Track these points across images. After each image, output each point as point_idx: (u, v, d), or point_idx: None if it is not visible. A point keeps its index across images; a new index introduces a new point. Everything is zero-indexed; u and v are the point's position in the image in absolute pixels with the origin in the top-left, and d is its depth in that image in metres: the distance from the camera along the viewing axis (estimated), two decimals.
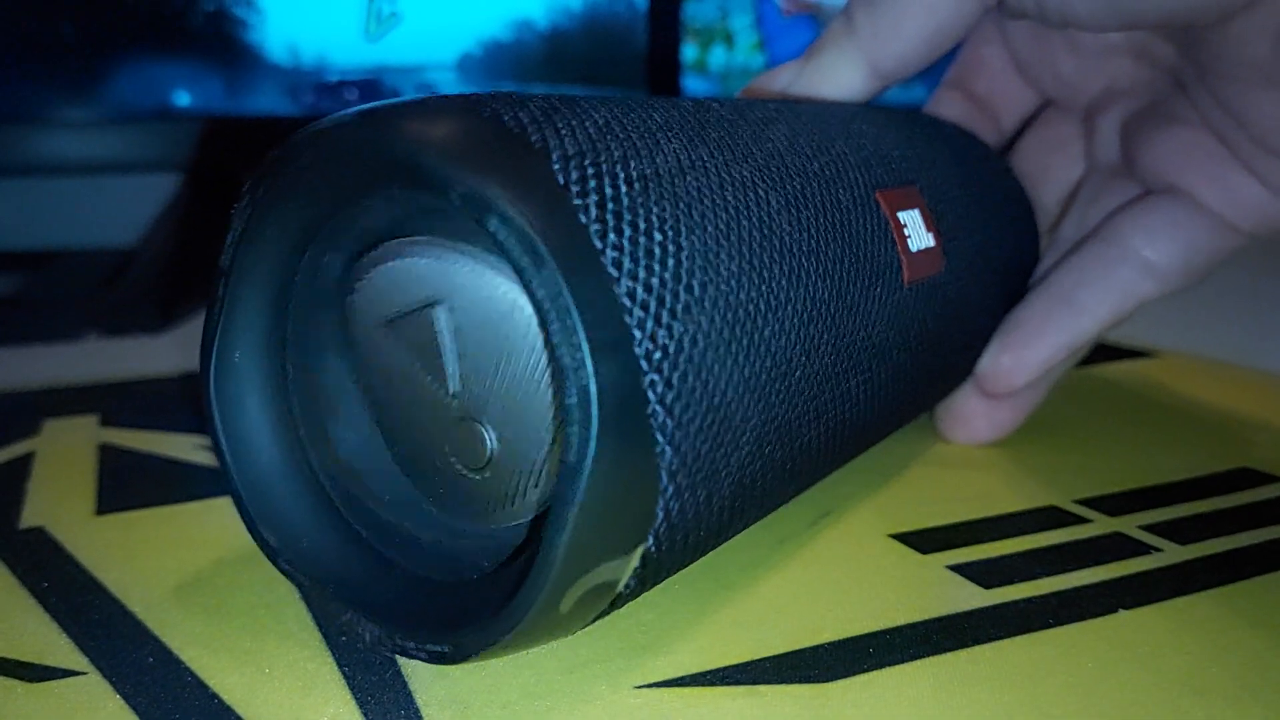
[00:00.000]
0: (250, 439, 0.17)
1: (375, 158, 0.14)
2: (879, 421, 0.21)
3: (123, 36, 0.48)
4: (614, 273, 0.13)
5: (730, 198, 0.16)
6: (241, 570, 0.20)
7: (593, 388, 0.13)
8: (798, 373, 0.16)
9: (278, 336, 0.17)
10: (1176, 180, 0.25)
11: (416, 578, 0.17)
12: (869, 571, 0.20)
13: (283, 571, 0.17)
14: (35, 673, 0.16)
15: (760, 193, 0.16)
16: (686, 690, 0.16)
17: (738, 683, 0.16)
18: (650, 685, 0.16)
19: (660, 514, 0.14)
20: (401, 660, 0.17)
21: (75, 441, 0.27)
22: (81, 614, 0.18)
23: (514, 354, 0.15)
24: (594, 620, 0.16)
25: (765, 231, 0.16)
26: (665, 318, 0.14)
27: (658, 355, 0.14)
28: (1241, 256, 0.25)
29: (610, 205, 0.14)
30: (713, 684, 0.16)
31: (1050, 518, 0.22)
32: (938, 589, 0.19)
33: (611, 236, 0.13)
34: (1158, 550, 0.21)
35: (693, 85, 0.65)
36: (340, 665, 0.16)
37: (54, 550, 0.21)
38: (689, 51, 0.65)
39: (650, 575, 0.15)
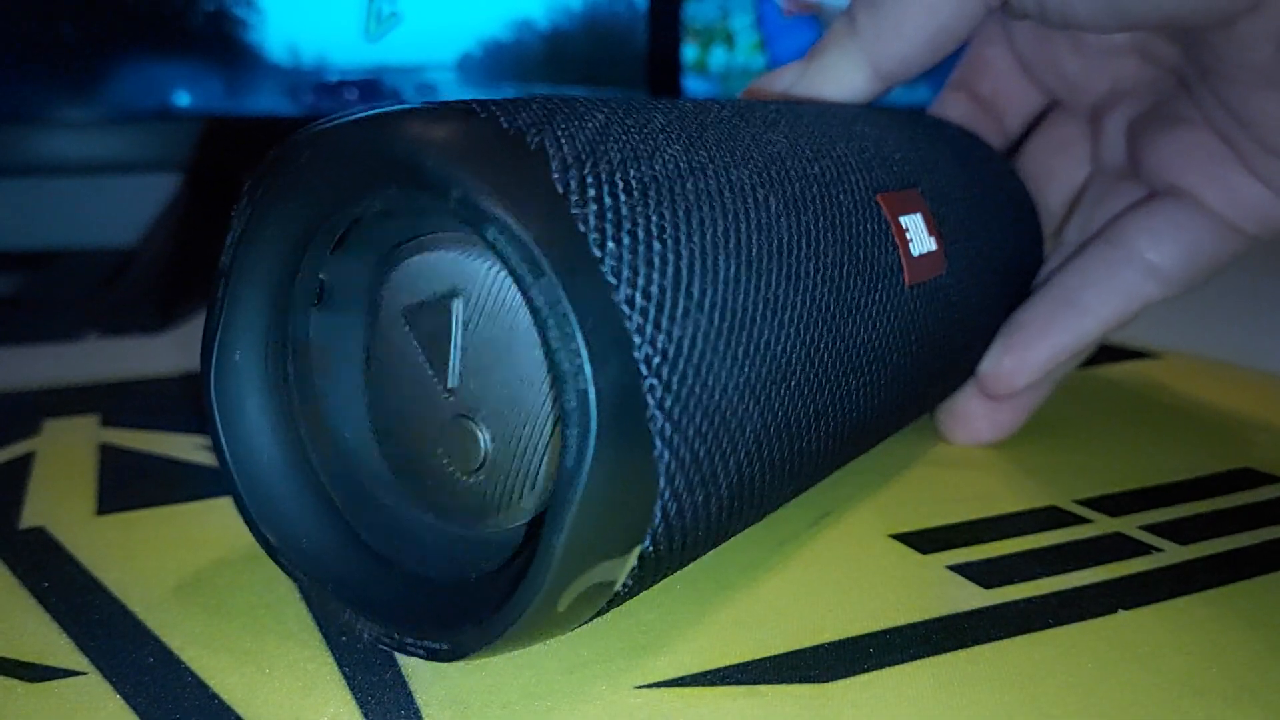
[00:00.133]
0: (250, 438, 0.17)
1: (375, 160, 0.14)
2: (879, 423, 0.21)
3: (123, 36, 0.48)
4: (613, 280, 0.13)
5: (730, 201, 0.16)
6: (241, 570, 0.20)
7: (591, 392, 0.13)
8: (797, 375, 0.16)
9: (278, 336, 0.17)
10: (1180, 182, 0.25)
11: (416, 577, 0.17)
12: (869, 572, 0.20)
13: (282, 569, 0.17)
14: (35, 673, 0.16)
15: (760, 196, 0.16)
16: (687, 690, 0.16)
17: (738, 683, 0.16)
18: (650, 685, 0.16)
19: (658, 516, 0.14)
20: (401, 660, 0.17)
21: (75, 441, 0.27)
22: (82, 614, 0.18)
23: (514, 349, 0.15)
24: (591, 619, 0.16)
25: (765, 235, 0.16)
26: (664, 322, 0.14)
27: (656, 360, 0.14)
28: (1242, 257, 0.25)
29: (609, 213, 0.14)
30: (713, 684, 0.16)
31: (1050, 518, 0.22)
32: (938, 589, 0.19)
33: (610, 245, 0.14)
34: (1158, 550, 0.21)
35: (693, 86, 0.65)
36: (340, 665, 0.16)
37: (54, 550, 0.21)
38: (689, 52, 0.65)
39: (648, 575, 0.15)
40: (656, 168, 0.15)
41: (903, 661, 0.17)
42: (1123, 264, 0.25)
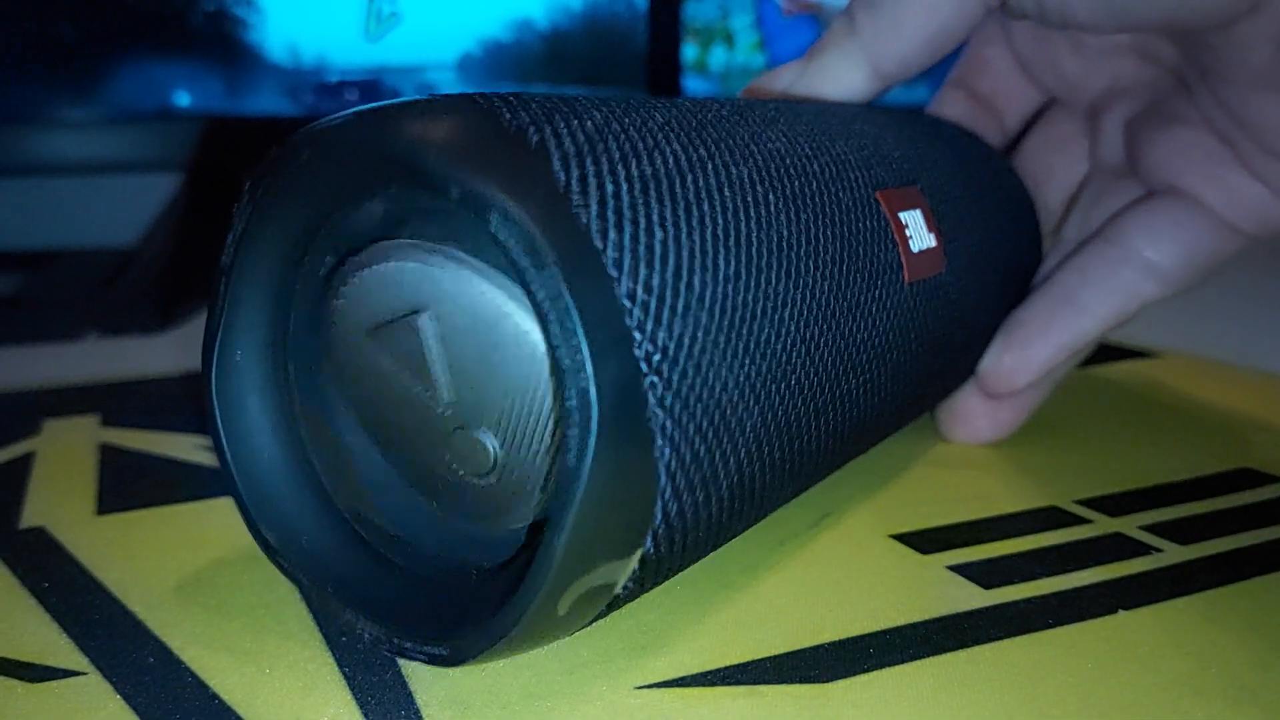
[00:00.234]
0: (251, 438, 0.17)
1: (375, 156, 0.14)
2: (879, 421, 0.21)
3: (123, 36, 0.48)
4: (614, 273, 0.13)
5: (730, 197, 0.16)
6: (242, 570, 0.20)
7: (592, 390, 0.13)
8: (797, 372, 0.16)
9: (279, 336, 0.17)
10: (1179, 181, 0.25)
11: (416, 577, 0.17)
12: (869, 572, 0.20)
13: (282, 570, 0.17)
14: (35, 673, 0.16)
15: (760, 192, 0.16)
16: (687, 690, 0.16)
17: (738, 683, 0.16)
18: (651, 685, 0.16)
19: (659, 516, 0.14)
20: (402, 660, 0.17)
21: (75, 441, 0.27)
22: (82, 614, 0.18)
23: (507, 359, 0.15)
24: (592, 622, 0.16)
25: (765, 231, 0.16)
26: (665, 318, 0.14)
27: (657, 357, 0.14)
28: (1242, 257, 0.25)
29: (610, 205, 0.14)
30: (713, 684, 0.16)
31: (1050, 518, 0.22)
32: (938, 589, 0.19)
33: (612, 236, 0.13)
34: (1158, 550, 0.21)
35: (693, 85, 0.65)
36: (340, 665, 0.16)
37: (54, 550, 0.21)
38: (689, 51, 0.65)
39: (649, 577, 0.15)
40: (656, 164, 0.15)
41: (903, 661, 0.17)
42: (1122, 263, 0.25)
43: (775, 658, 0.17)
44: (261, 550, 0.17)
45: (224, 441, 0.17)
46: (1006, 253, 0.25)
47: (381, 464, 0.18)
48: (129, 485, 0.24)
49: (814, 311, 0.17)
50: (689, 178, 0.15)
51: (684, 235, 0.15)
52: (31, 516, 0.22)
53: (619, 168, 0.14)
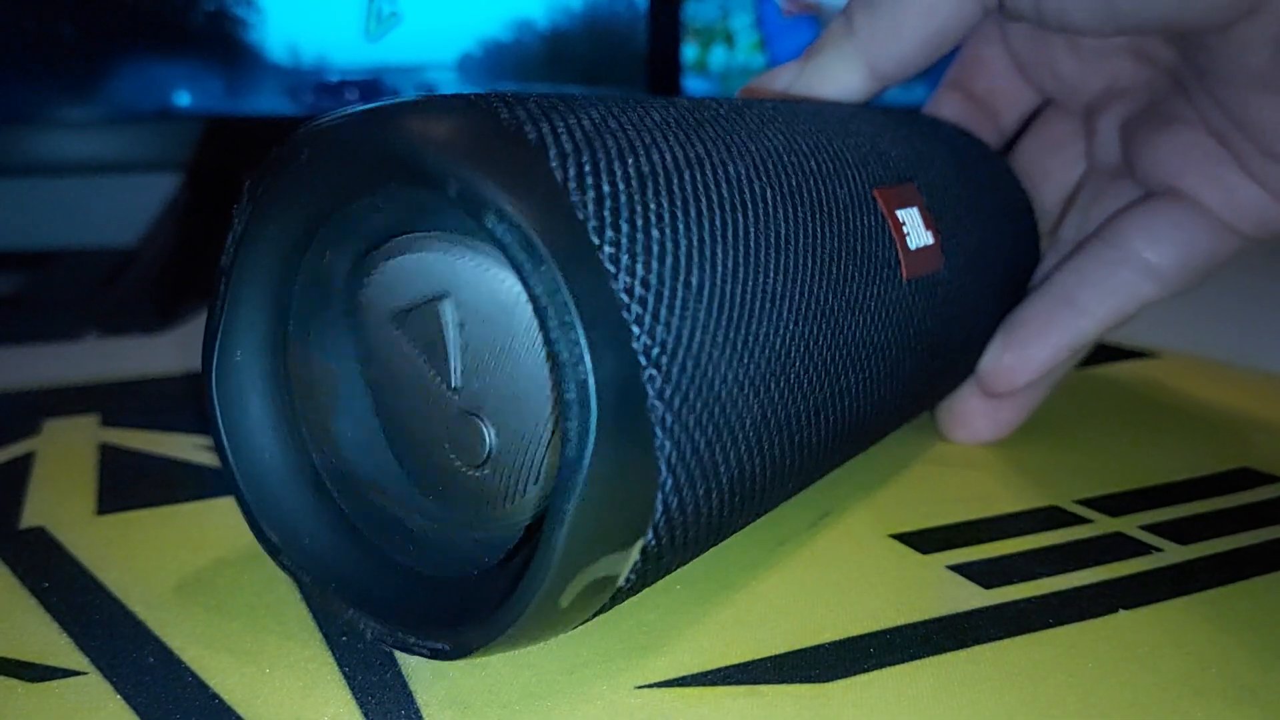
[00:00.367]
0: (252, 437, 0.17)
1: (375, 155, 0.14)
2: (878, 419, 0.21)
3: (123, 36, 0.48)
4: (611, 269, 0.13)
5: (727, 194, 0.16)
6: (242, 570, 0.20)
7: (591, 382, 0.13)
8: (796, 368, 0.17)
9: (279, 335, 0.17)
10: (1176, 182, 0.25)
11: (417, 574, 0.17)
12: (869, 572, 0.20)
13: (284, 569, 0.17)
14: (36, 673, 0.16)
15: (757, 189, 0.16)
16: (687, 690, 0.16)
17: (738, 682, 0.16)
18: (651, 685, 0.16)
19: (659, 508, 0.14)
20: (402, 660, 0.17)
21: (76, 441, 0.27)
22: (82, 614, 0.18)
23: (514, 348, 0.15)
24: (593, 616, 0.16)
25: (762, 227, 0.16)
26: (663, 313, 0.14)
27: (655, 350, 0.14)
28: (1241, 257, 0.25)
29: (608, 202, 0.14)
30: (713, 684, 0.16)
31: (1050, 518, 0.22)
32: (938, 589, 0.19)
33: (609, 233, 0.14)
34: (1158, 550, 0.21)
35: (693, 85, 0.65)
36: (341, 665, 0.16)
37: (54, 550, 0.21)
38: (689, 51, 0.65)
39: (650, 570, 0.15)
40: (654, 160, 0.15)
41: (903, 661, 0.17)
42: (1120, 264, 0.25)
43: (775, 657, 0.17)
44: (264, 549, 0.17)
45: (225, 441, 0.17)
46: (1004, 252, 0.25)
47: (382, 461, 0.18)
48: (129, 485, 0.24)
49: (812, 308, 0.17)
50: (686, 174, 0.15)
51: (682, 231, 0.15)
52: (32, 516, 0.22)
53: (616, 164, 0.14)
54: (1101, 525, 0.22)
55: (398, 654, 0.17)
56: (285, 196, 0.16)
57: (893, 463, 0.25)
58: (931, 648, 0.17)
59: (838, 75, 0.24)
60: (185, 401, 0.31)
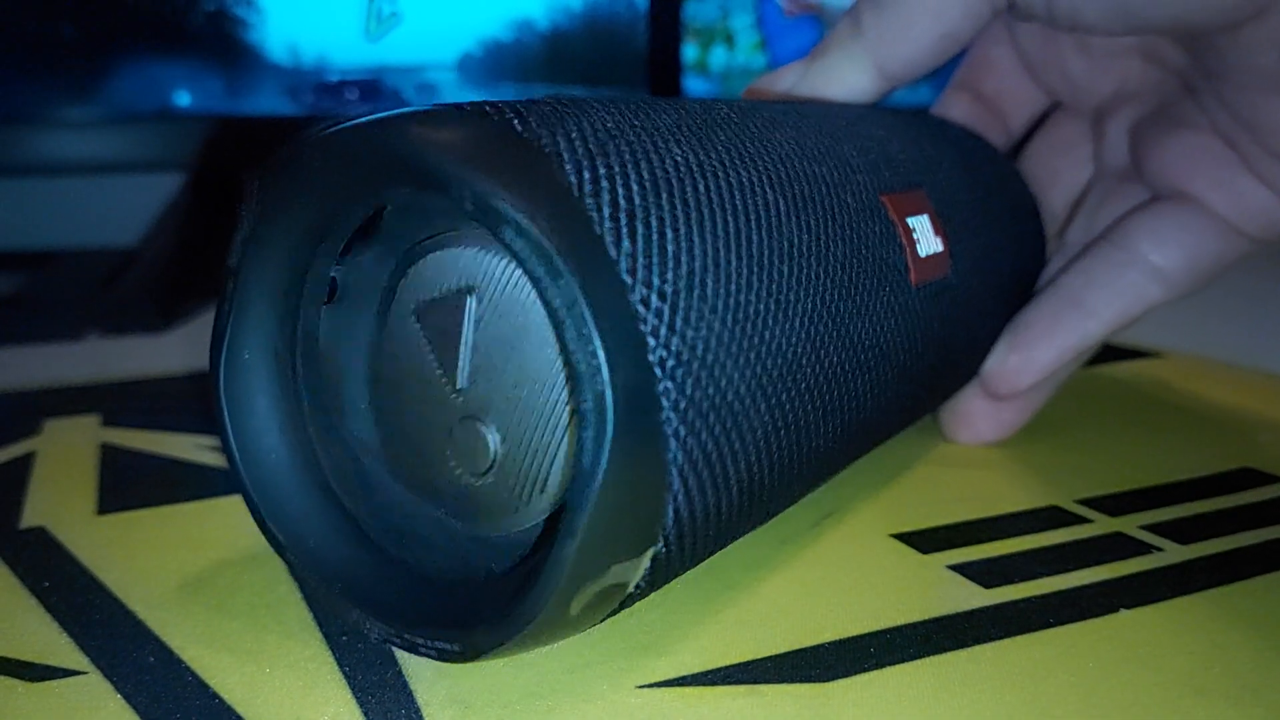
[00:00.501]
0: (259, 438, 0.17)
1: (388, 165, 0.14)
2: (885, 422, 0.21)
3: (123, 36, 0.48)
4: (628, 280, 0.13)
5: (739, 201, 0.16)
6: (243, 570, 0.20)
7: (608, 394, 0.13)
8: (806, 374, 0.17)
9: (287, 335, 0.17)
10: (1184, 185, 0.25)
11: (424, 577, 0.17)
12: (870, 571, 0.20)
13: (291, 570, 0.17)
14: (36, 672, 0.16)
15: (769, 196, 0.16)
16: (688, 690, 0.16)
17: (739, 682, 0.16)
18: (652, 685, 0.16)
19: (671, 516, 0.14)
20: (402, 660, 0.17)
21: (76, 441, 0.27)
22: (82, 614, 0.18)
23: (524, 351, 0.15)
24: (602, 620, 0.16)
25: (773, 235, 0.16)
26: (679, 324, 0.14)
27: (671, 362, 0.14)
28: (1246, 258, 0.25)
29: (624, 211, 0.14)
30: (714, 684, 0.16)
31: (1051, 518, 0.22)
32: (938, 589, 0.19)
33: (625, 244, 0.14)
34: (1159, 550, 0.21)
35: (693, 85, 0.65)
36: (341, 665, 0.16)
37: (55, 550, 0.21)
38: (690, 51, 0.65)
39: (660, 577, 0.15)
40: (668, 166, 0.15)
41: (903, 661, 0.17)
42: (1127, 266, 0.25)
43: (776, 657, 0.17)
44: (273, 549, 0.17)
45: (232, 440, 0.17)
46: (1011, 256, 0.25)
47: (389, 464, 0.18)
48: (130, 485, 0.24)
49: (822, 315, 0.17)
50: (700, 183, 0.15)
51: (696, 239, 0.15)
52: (32, 516, 0.22)
53: (630, 171, 0.14)
54: (1102, 525, 0.22)
55: (398, 653, 0.17)
56: (294, 199, 0.16)
57: (895, 463, 0.25)
58: (932, 647, 0.17)
59: (845, 76, 0.24)
60: (186, 401, 0.31)
